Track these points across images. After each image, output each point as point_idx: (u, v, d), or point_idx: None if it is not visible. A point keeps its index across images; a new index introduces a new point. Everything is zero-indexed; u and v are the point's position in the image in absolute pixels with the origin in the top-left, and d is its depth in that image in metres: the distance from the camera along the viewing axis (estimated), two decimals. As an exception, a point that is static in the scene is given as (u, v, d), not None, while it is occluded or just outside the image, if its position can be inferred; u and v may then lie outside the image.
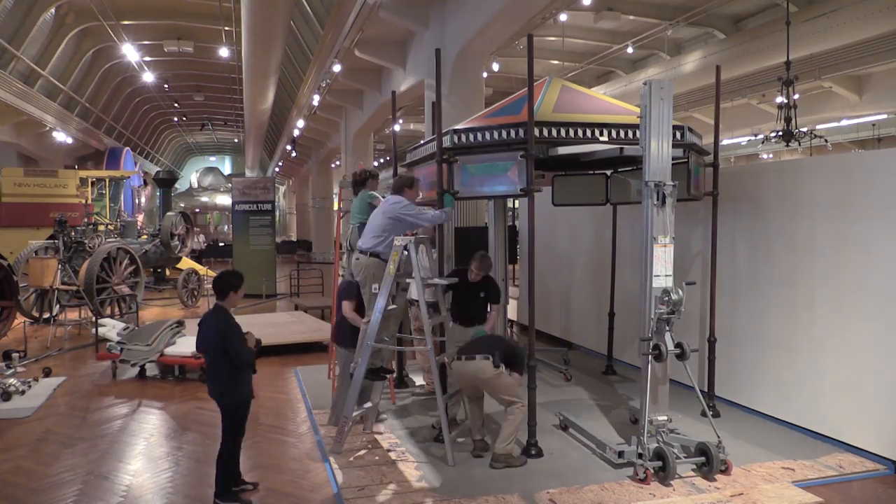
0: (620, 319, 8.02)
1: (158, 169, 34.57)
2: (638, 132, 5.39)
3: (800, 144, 15.81)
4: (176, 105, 30.09)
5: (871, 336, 5.28)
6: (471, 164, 5.79)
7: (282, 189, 49.71)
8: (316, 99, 20.39)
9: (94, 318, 10.10)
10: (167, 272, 17.04)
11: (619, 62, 20.85)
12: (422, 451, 5.52)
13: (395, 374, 7.06)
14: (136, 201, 24.91)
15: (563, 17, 14.72)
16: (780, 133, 14.78)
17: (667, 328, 5.02)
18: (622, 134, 5.76)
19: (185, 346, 8.24)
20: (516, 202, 13.29)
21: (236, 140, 43.27)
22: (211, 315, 4.59)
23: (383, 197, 6.27)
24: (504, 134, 5.60)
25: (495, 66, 17.40)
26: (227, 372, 4.50)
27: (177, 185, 29.40)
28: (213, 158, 53.19)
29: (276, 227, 19.16)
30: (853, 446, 5.38)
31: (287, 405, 7.06)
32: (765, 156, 28.27)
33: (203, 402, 7.20)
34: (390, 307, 5.61)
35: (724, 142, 24.20)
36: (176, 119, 35.55)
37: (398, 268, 5.52)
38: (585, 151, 5.79)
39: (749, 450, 5.43)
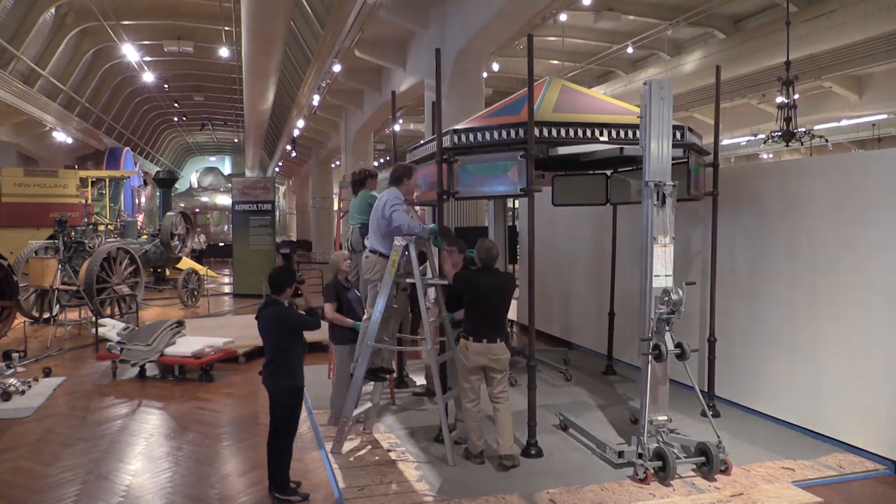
0: (620, 319, 8.02)
1: (158, 169, 34.58)
2: (638, 132, 5.39)
3: (801, 144, 15.81)
4: (176, 105, 30.10)
5: (871, 336, 5.28)
6: (471, 164, 5.78)
7: (282, 189, 49.72)
8: (316, 99, 20.41)
9: (94, 318, 10.10)
10: (167, 272, 17.05)
11: (619, 62, 20.86)
12: (422, 451, 5.52)
13: (395, 374, 7.06)
14: (136, 201, 24.93)
15: (563, 17, 14.73)
16: (780, 133, 14.78)
17: (667, 328, 5.02)
18: (622, 134, 5.76)
19: (185, 346, 8.24)
20: (516, 202, 13.28)
21: (236, 140, 43.28)
22: (266, 307, 4.75)
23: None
24: (504, 134, 5.60)
25: (495, 66, 17.41)
26: (281, 360, 4.64)
27: (177, 185, 29.39)
28: (213, 158, 53.18)
29: (276, 227, 19.15)
30: (853, 446, 5.38)
31: (287, 405, 7.05)
32: (765, 156, 28.27)
33: (203, 402, 7.21)
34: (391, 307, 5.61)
35: (724, 142, 24.21)
36: (176, 119, 35.57)
37: (398, 268, 5.51)
38: (585, 151, 5.79)
39: (749, 450, 5.43)
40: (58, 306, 11.30)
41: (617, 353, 8.24)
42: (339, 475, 5.02)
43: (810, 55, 14.91)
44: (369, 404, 6.02)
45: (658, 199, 5.04)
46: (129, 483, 5.03)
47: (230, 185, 26.02)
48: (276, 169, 41.80)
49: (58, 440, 6.00)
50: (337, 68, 16.46)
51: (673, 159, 5.21)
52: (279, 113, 28.64)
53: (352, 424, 5.66)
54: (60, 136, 22.97)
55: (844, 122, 23.25)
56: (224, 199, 34.51)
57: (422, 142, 6.94)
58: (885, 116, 22.40)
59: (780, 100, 15.15)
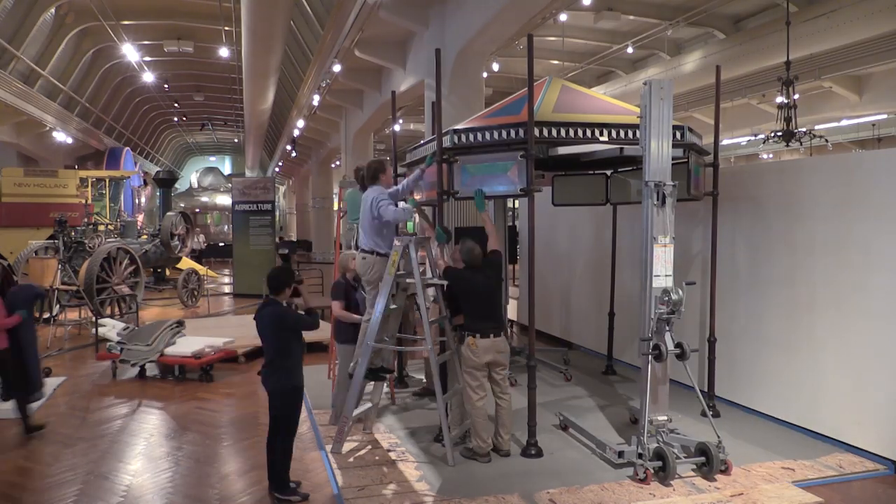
0: (620, 319, 8.03)
1: (158, 169, 34.57)
2: (638, 132, 5.39)
3: (801, 144, 15.80)
4: (176, 105, 30.09)
5: (871, 336, 5.28)
6: (471, 164, 5.78)
7: (282, 189, 49.70)
8: (316, 99, 20.39)
9: (94, 318, 10.10)
10: (167, 272, 17.05)
11: (619, 62, 20.84)
12: (422, 451, 5.52)
13: (395, 374, 7.07)
14: (136, 201, 24.93)
15: (563, 17, 14.71)
16: (780, 133, 14.78)
17: (667, 328, 5.02)
18: (622, 134, 5.76)
19: (185, 346, 8.24)
20: (516, 202, 13.29)
21: (236, 140, 43.26)
22: (265, 307, 4.74)
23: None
24: (504, 134, 5.60)
25: (495, 66, 17.40)
26: (281, 360, 4.64)
27: (177, 185, 29.41)
28: (213, 158, 53.15)
29: (276, 227, 19.14)
30: (853, 446, 5.38)
31: (287, 405, 7.05)
32: (765, 156, 28.28)
33: (203, 402, 7.21)
34: (390, 307, 5.61)
35: (724, 142, 24.21)
36: (176, 119, 35.54)
37: (398, 267, 5.52)
38: (585, 151, 5.79)
39: (749, 450, 5.43)
40: (58, 306, 11.30)
41: (617, 353, 8.24)
42: (339, 475, 5.02)
43: (810, 55, 14.88)
44: (369, 404, 6.02)
45: (658, 199, 5.04)
46: (129, 483, 5.03)
47: (230, 185, 26.04)
48: (276, 169, 41.77)
49: (58, 440, 6.00)
50: (337, 68, 16.45)
51: (673, 159, 5.21)
52: (279, 113, 28.63)
53: (352, 424, 5.66)
54: (60, 136, 22.96)
55: (844, 122, 23.25)
56: (224, 199, 34.52)
57: (422, 142, 6.94)
58: (885, 116, 22.40)
59: (780, 100, 15.14)
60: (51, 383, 7.83)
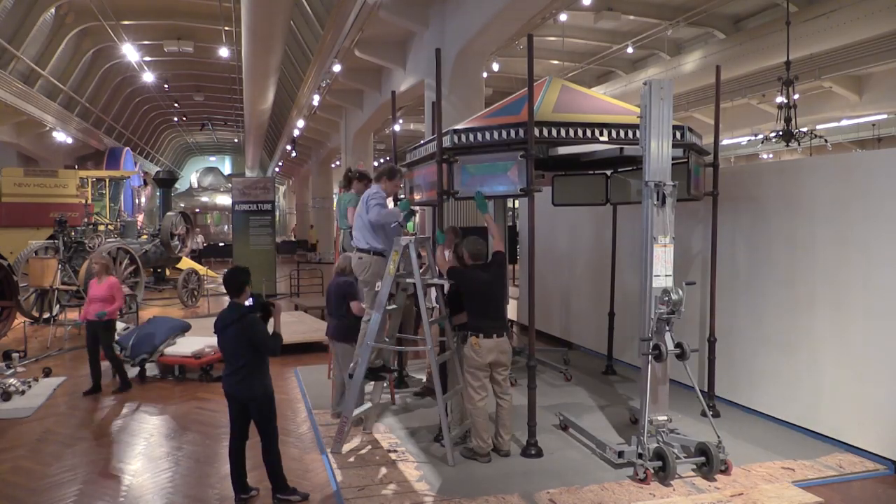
0: (620, 319, 8.03)
1: (158, 169, 34.57)
2: (638, 132, 5.39)
3: (799, 144, 15.81)
4: (176, 105, 30.10)
5: (871, 336, 5.28)
6: (471, 164, 5.78)
7: (282, 189, 49.69)
8: (316, 99, 20.40)
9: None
10: (167, 272, 17.05)
11: (619, 62, 20.84)
12: (422, 451, 5.52)
13: (395, 374, 7.07)
14: (136, 201, 24.94)
15: (563, 17, 14.72)
16: (780, 133, 14.78)
17: (667, 328, 5.02)
18: (622, 134, 5.76)
19: (186, 346, 8.24)
20: (516, 202, 13.29)
21: (236, 140, 43.26)
22: (229, 323, 4.53)
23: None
24: (504, 134, 5.60)
25: (495, 66, 17.40)
26: (254, 367, 4.52)
27: (177, 185, 29.38)
28: (213, 158, 53.17)
29: (276, 227, 19.15)
30: (853, 446, 5.38)
31: (287, 405, 7.05)
32: (765, 156, 28.28)
33: (203, 402, 7.21)
34: (390, 307, 5.61)
35: (724, 142, 24.22)
36: (176, 119, 35.56)
37: (398, 267, 5.52)
38: (585, 151, 5.79)
39: (749, 450, 5.43)
40: (58, 306, 11.30)
41: (617, 353, 8.24)
42: (339, 475, 5.02)
43: (810, 55, 14.89)
44: (369, 404, 6.02)
45: (658, 199, 5.04)
46: (129, 483, 5.03)
47: (230, 185, 26.03)
48: (276, 169, 41.79)
49: (58, 440, 6.00)
50: (337, 68, 16.46)
51: (673, 159, 5.21)
52: (279, 113, 28.64)
53: (352, 424, 5.66)
54: (60, 136, 22.97)
55: (844, 122, 23.26)
56: (224, 199, 34.51)
57: (422, 142, 6.94)
58: (885, 116, 22.40)
59: (780, 100, 15.15)
60: (51, 383, 7.83)
